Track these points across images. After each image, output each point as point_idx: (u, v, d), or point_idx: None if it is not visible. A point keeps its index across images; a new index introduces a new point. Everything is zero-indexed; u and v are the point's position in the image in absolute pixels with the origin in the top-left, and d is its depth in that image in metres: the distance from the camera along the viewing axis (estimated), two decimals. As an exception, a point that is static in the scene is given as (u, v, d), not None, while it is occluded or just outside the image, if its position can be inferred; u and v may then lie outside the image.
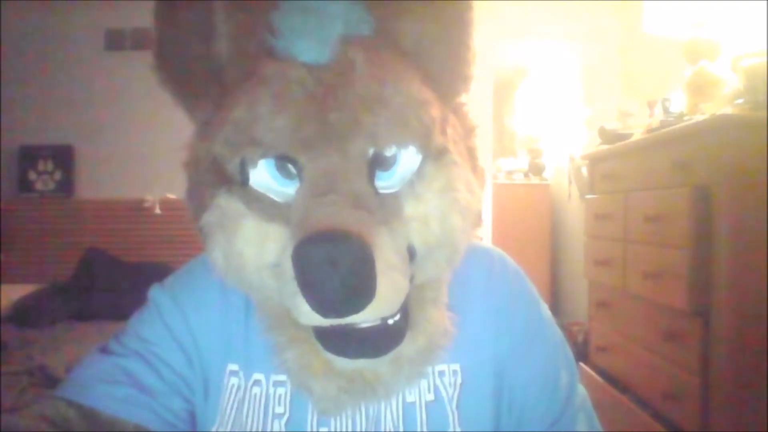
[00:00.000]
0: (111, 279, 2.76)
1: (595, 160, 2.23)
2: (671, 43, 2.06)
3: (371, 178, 0.49)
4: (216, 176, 0.51)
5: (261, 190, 0.49)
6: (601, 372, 2.04)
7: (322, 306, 0.43)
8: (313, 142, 0.47)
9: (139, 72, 3.21)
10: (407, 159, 0.50)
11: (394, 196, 0.50)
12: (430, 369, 0.59)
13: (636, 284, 1.76)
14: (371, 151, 0.48)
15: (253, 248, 0.49)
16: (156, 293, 0.64)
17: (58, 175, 3.19)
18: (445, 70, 0.53)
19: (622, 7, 2.96)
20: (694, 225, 1.45)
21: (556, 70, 3.86)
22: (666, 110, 1.88)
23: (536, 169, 4.15)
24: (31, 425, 0.52)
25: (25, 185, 3.18)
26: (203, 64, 0.51)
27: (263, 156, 0.47)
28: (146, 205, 3.11)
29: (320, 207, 0.46)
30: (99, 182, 3.21)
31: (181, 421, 0.60)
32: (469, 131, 0.58)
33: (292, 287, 0.44)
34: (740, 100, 1.51)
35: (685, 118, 1.70)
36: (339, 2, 0.49)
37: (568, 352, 0.69)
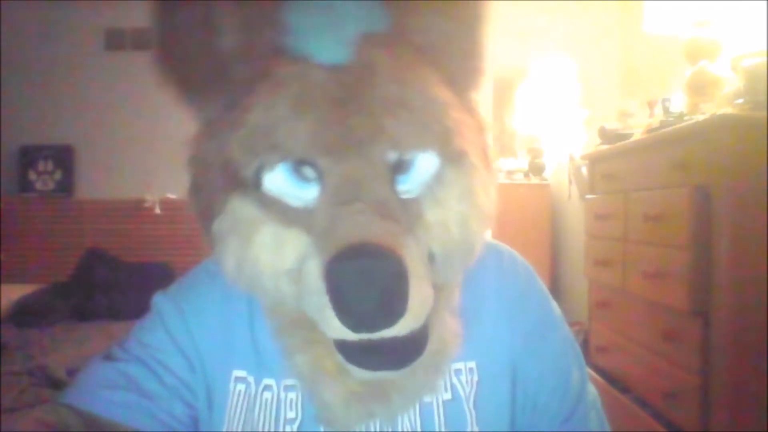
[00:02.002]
0: (111, 279, 2.76)
1: (595, 160, 2.23)
2: (671, 43, 2.05)
3: (393, 183, 0.48)
4: (227, 179, 0.49)
5: (276, 194, 0.48)
6: (601, 372, 2.04)
7: (355, 323, 0.42)
8: (336, 147, 0.45)
9: (139, 72, 3.22)
10: (425, 162, 0.48)
11: (416, 202, 0.49)
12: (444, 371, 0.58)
13: (636, 284, 1.76)
14: (393, 156, 0.47)
15: (270, 255, 0.48)
16: (159, 300, 0.64)
17: (58, 175, 3.19)
18: (459, 67, 0.53)
19: (622, 7, 2.96)
20: (694, 225, 1.45)
21: (556, 69, 3.85)
22: (666, 110, 1.88)
23: (536, 169, 4.15)
24: (31, 430, 0.52)
25: (25, 185, 3.18)
26: (206, 60, 0.49)
27: (282, 160, 0.46)
28: (146, 205, 3.11)
29: (348, 217, 0.45)
30: (99, 182, 3.21)
31: (184, 426, 0.59)
32: (482, 129, 0.57)
33: (320, 300, 0.43)
34: (740, 100, 1.51)
35: (685, 118, 1.70)
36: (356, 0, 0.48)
37: (578, 350, 0.69)
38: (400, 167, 0.48)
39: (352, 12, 0.47)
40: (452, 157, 0.50)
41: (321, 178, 0.47)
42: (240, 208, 0.48)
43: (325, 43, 0.46)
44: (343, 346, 0.48)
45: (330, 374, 0.50)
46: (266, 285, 0.49)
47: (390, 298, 0.42)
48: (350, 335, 0.44)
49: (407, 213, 0.48)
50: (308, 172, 0.47)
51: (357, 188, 0.46)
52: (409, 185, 0.49)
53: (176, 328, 0.61)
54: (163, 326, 0.61)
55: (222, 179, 0.49)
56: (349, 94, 0.45)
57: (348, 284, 0.41)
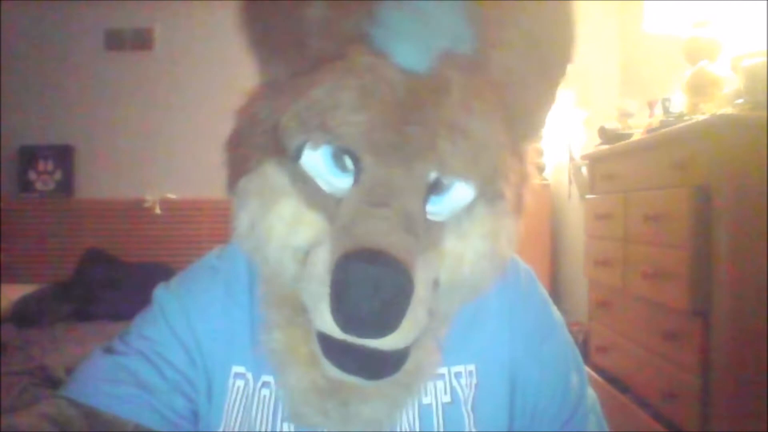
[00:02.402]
0: (111, 279, 2.76)
1: (595, 160, 2.23)
2: (671, 43, 2.05)
3: (426, 200, 0.48)
4: (269, 141, 0.49)
5: (310, 172, 0.48)
6: (601, 372, 2.03)
7: (347, 324, 0.43)
8: (384, 149, 0.45)
9: (139, 72, 3.23)
10: (461, 190, 0.48)
11: (439, 226, 0.49)
12: (443, 373, 0.58)
13: (636, 284, 1.76)
14: (434, 176, 0.47)
15: (284, 227, 0.48)
16: (160, 293, 0.64)
17: (58, 175, 3.20)
18: (525, 110, 0.52)
19: (622, 7, 2.96)
20: (694, 225, 1.45)
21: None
22: (666, 110, 1.87)
23: (536, 169, 4.15)
24: (32, 424, 0.52)
25: (25, 185, 3.18)
26: (289, 23, 0.48)
27: (329, 143, 0.46)
28: (146, 205, 3.11)
29: (372, 219, 0.45)
30: (99, 182, 3.21)
31: (185, 420, 0.60)
32: (525, 178, 0.56)
33: (320, 290, 0.43)
34: (740, 100, 1.51)
35: (685, 118, 1.70)
36: (450, 13, 0.47)
37: (578, 354, 0.69)
38: (436, 187, 0.48)
39: (442, 24, 0.47)
40: (489, 196, 0.49)
41: (358, 173, 0.47)
42: (272, 173, 0.49)
43: (408, 48, 0.46)
44: (324, 340, 0.47)
45: (300, 361, 0.50)
46: (270, 255, 0.49)
47: (388, 311, 0.42)
48: (337, 333, 0.44)
49: (429, 235, 0.48)
50: (348, 162, 0.47)
51: (390, 194, 0.46)
52: (439, 208, 0.49)
53: (178, 322, 0.61)
54: (165, 320, 0.61)
55: (265, 140, 0.49)
56: (415, 104, 0.44)
57: (354, 285, 0.41)
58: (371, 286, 0.41)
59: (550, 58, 0.50)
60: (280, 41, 0.49)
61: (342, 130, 0.44)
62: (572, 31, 0.50)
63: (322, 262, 0.44)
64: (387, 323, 0.43)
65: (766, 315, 1.37)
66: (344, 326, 0.43)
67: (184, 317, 0.61)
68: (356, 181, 0.47)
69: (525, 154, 0.56)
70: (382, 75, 0.44)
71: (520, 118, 0.52)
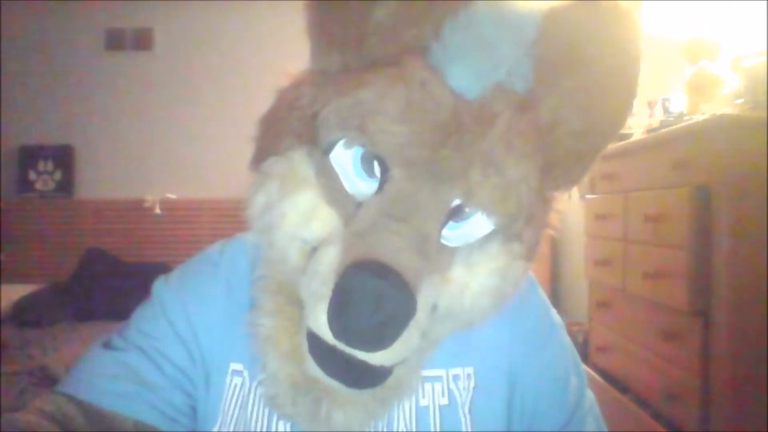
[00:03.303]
0: (111, 279, 2.76)
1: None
2: (671, 43, 2.05)
3: (444, 225, 0.48)
4: (304, 129, 0.49)
5: (337, 169, 0.48)
6: (601, 372, 2.03)
7: (342, 333, 0.43)
8: (416, 165, 0.45)
9: (139, 72, 3.23)
10: (481, 223, 0.48)
11: (450, 252, 0.49)
12: (441, 376, 0.58)
13: (636, 284, 1.76)
14: (458, 202, 0.47)
15: (297, 217, 0.48)
16: (159, 287, 0.64)
17: (58, 175, 3.20)
18: (564, 164, 0.52)
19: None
20: (693, 225, 1.45)
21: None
22: (666, 110, 1.88)
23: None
24: (31, 421, 0.52)
25: (25, 185, 3.19)
26: (356, 18, 0.47)
27: (363, 146, 0.46)
28: (146, 205, 3.12)
29: (388, 232, 0.45)
30: (99, 182, 3.22)
31: (184, 416, 0.59)
32: (544, 226, 0.56)
33: (320, 291, 0.43)
34: (740, 100, 1.51)
35: (685, 118, 1.70)
36: (512, 46, 0.45)
37: (577, 357, 0.69)
38: (457, 213, 0.48)
39: (502, 56, 0.46)
40: (507, 235, 0.49)
41: (384, 182, 0.47)
42: (300, 162, 0.49)
43: (463, 72, 0.45)
44: (313, 340, 0.47)
45: (280, 355, 0.50)
46: (278, 241, 0.49)
47: (386, 329, 0.42)
48: (328, 337, 0.44)
49: (438, 259, 0.48)
50: (376, 169, 0.47)
51: (411, 212, 0.46)
52: (455, 234, 0.49)
53: (177, 318, 0.61)
54: (164, 315, 0.61)
55: (300, 127, 0.49)
56: (457, 128, 0.44)
57: (357, 297, 0.41)
58: (375, 302, 0.41)
59: (601, 118, 0.50)
60: (342, 34, 0.48)
61: (379, 138, 0.44)
62: (630, 95, 0.50)
63: (328, 263, 0.44)
64: (381, 340, 0.43)
65: (766, 315, 1.37)
66: (338, 334, 0.43)
67: (182, 312, 0.61)
68: (380, 189, 0.47)
69: (552, 202, 0.56)
70: (432, 92, 0.44)
71: (558, 168, 0.51)
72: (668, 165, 1.60)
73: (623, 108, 0.50)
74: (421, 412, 0.58)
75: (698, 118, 1.54)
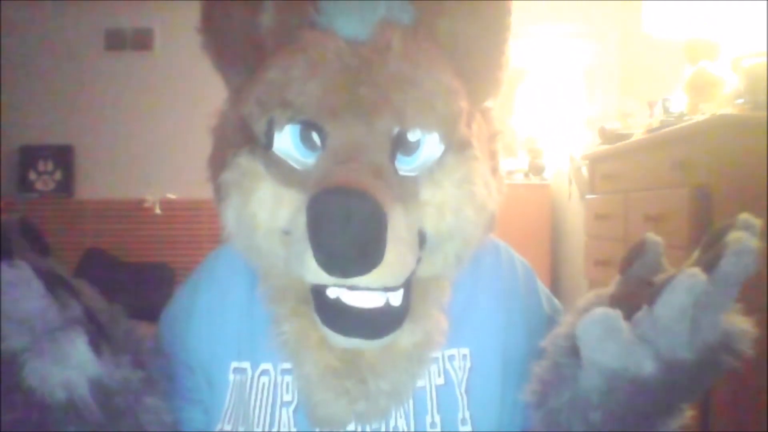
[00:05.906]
0: (111, 279, 2.76)
1: (595, 160, 2.23)
2: (671, 43, 2.05)
3: (393, 156, 0.50)
4: (242, 136, 0.52)
5: (282, 156, 0.51)
6: (601, 372, 2.04)
7: (329, 260, 0.44)
8: (341, 111, 0.48)
9: (139, 72, 3.23)
10: (430, 146, 0.51)
11: (413, 179, 0.51)
12: (437, 356, 0.59)
13: (636, 284, 1.76)
14: (396, 130, 0.49)
15: (266, 212, 0.50)
16: (160, 321, 0.67)
17: (58, 175, 3.19)
18: (477, 71, 0.54)
19: (621, 7, 2.96)
20: (694, 225, 1.45)
21: (556, 70, 3.85)
22: (666, 110, 1.88)
23: (536, 169, 4.14)
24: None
25: (25, 185, 3.18)
26: (246, 34, 0.52)
27: (291, 119, 0.49)
28: (146, 205, 3.11)
29: (341, 170, 0.47)
30: (99, 182, 3.21)
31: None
32: (493, 135, 0.59)
33: (302, 246, 0.45)
34: (740, 100, 1.51)
35: (685, 118, 1.70)
36: None
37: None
38: (404, 146, 0.50)
39: (380, 0, 0.51)
40: (456, 146, 0.52)
41: (324, 142, 0.50)
42: (247, 163, 0.51)
43: (350, 21, 0.50)
44: (320, 306, 0.49)
45: (312, 346, 0.51)
46: (260, 244, 0.51)
47: (365, 239, 0.43)
48: (326, 279, 0.45)
49: (403, 186, 0.50)
50: (315, 139, 0.50)
51: (356, 152, 0.48)
52: (411, 167, 0.51)
53: (174, 348, 0.63)
54: (165, 349, 0.63)
55: (235, 135, 0.53)
56: (362, 65, 0.48)
57: (325, 216, 0.43)
58: (344, 217, 0.42)
59: (491, 19, 0.53)
60: (240, 53, 0.53)
61: (299, 103, 0.47)
62: None
63: (300, 221, 0.46)
64: (366, 253, 0.43)
65: (766, 315, 1.37)
66: (327, 265, 0.44)
67: (174, 338, 0.63)
68: (323, 149, 0.50)
69: (488, 112, 0.59)
70: (327, 46, 0.48)
71: (475, 79, 0.54)
72: (668, 165, 1.60)
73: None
74: (417, 393, 0.58)
75: (698, 118, 1.54)
